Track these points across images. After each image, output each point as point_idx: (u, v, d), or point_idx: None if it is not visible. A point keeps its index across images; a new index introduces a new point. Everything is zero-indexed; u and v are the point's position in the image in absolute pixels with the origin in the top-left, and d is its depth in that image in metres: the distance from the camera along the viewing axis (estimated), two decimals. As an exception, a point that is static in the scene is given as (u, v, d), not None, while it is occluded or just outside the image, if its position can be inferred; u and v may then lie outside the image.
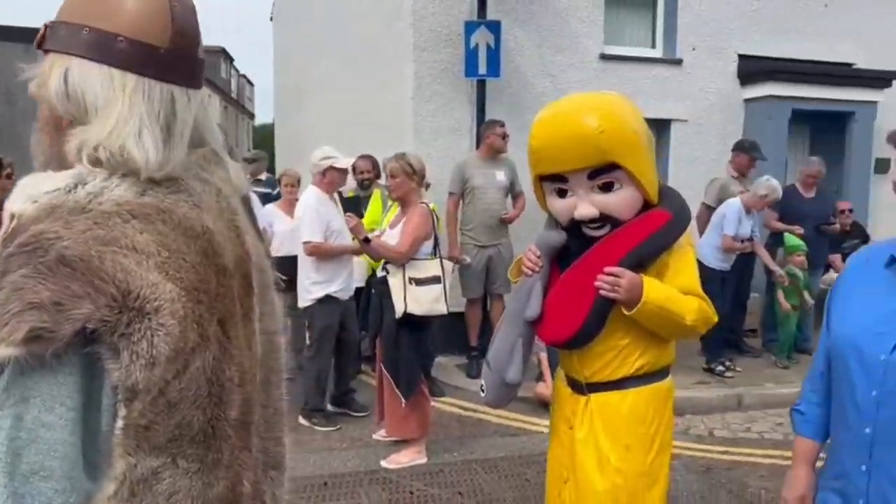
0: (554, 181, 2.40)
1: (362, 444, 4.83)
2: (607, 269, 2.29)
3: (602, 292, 2.28)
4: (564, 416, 2.56)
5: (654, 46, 7.90)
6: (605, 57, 7.42)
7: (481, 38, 6.50)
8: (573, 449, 2.48)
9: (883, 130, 7.74)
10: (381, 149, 5.88)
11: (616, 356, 2.40)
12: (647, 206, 2.40)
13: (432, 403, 5.53)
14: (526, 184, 5.62)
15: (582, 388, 2.48)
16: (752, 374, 6.28)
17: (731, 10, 7.90)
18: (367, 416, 5.21)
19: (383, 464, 4.43)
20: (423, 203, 4.31)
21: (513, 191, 6.30)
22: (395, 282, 4.14)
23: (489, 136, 6.13)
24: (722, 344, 6.40)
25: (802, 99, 7.89)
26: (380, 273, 4.32)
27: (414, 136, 6.76)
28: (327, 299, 4.97)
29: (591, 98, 2.48)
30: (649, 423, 2.42)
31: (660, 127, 7.91)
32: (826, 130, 8.46)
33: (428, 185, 5.23)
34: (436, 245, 4.37)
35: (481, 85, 6.69)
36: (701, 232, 6.51)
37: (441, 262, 4.30)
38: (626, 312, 2.28)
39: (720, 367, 6.23)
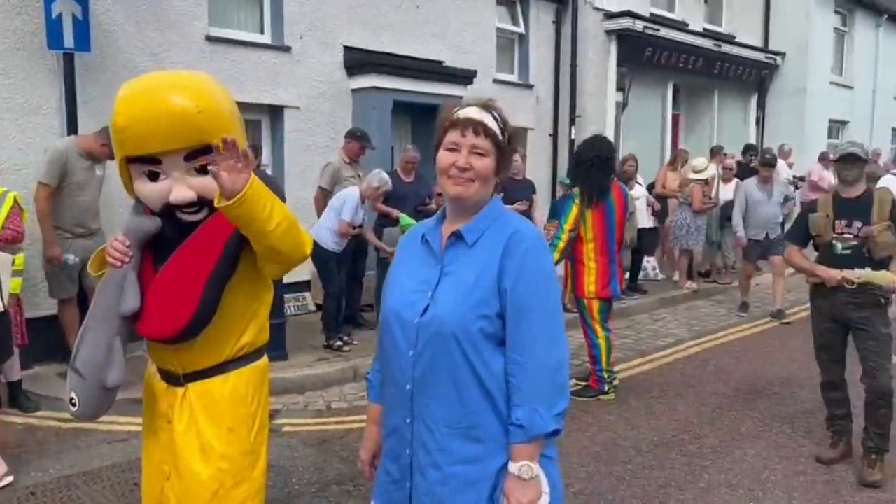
0: (145, 163, 2.22)
1: (-75, 481, 4.03)
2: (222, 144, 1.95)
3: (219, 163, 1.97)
4: (161, 412, 2.43)
5: (262, 32, 7.90)
6: (211, 39, 7.20)
7: (65, 7, 5.78)
8: (174, 443, 2.37)
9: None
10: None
11: (217, 341, 2.34)
12: None
13: (26, 420, 4.89)
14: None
15: (179, 379, 2.38)
16: (367, 345, 6.70)
17: (335, 2, 8.26)
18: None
19: (-47, 499, 3.76)
20: None
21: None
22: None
23: (100, 143, 5.43)
24: (340, 320, 6.74)
25: (402, 91, 8.61)
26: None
27: (-16, 114, 5.80)
28: None
29: (182, 76, 2.34)
30: (250, 402, 2.42)
31: (273, 113, 7.99)
32: (424, 121, 9.37)
33: None
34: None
35: (69, 60, 5.97)
36: (319, 213, 6.79)
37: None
38: (242, 191, 1.97)
39: (338, 343, 6.55)
